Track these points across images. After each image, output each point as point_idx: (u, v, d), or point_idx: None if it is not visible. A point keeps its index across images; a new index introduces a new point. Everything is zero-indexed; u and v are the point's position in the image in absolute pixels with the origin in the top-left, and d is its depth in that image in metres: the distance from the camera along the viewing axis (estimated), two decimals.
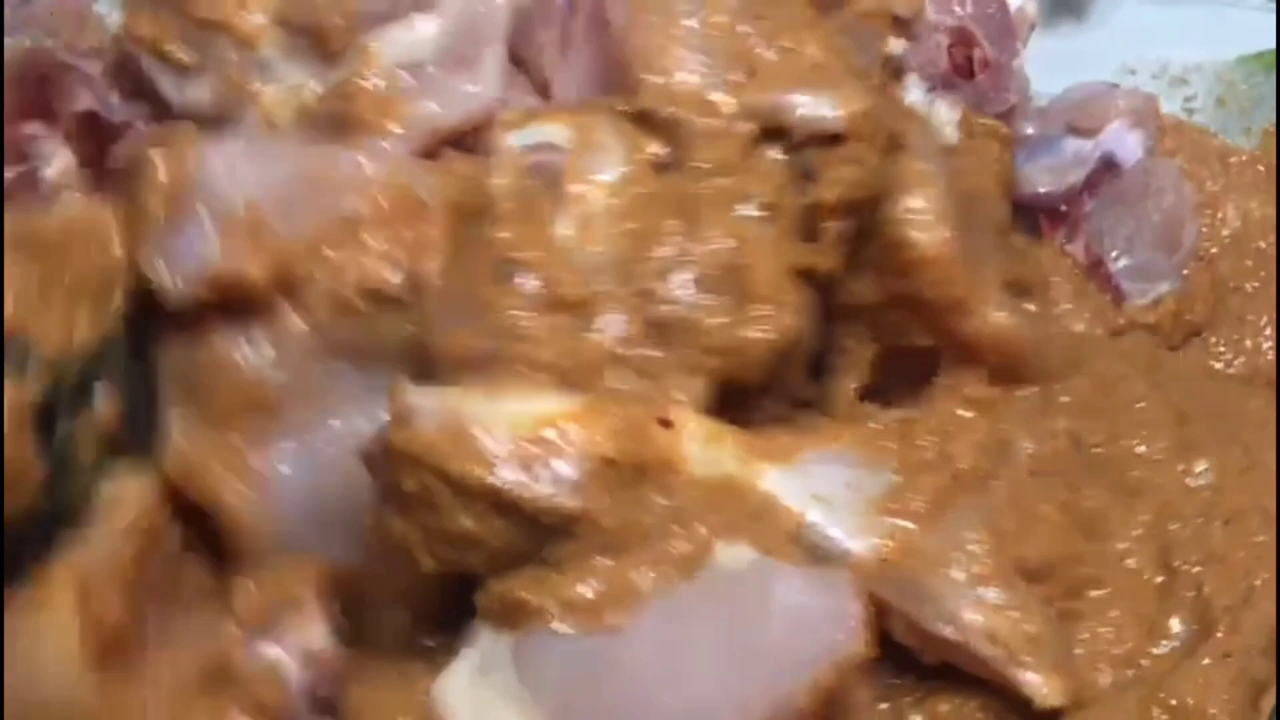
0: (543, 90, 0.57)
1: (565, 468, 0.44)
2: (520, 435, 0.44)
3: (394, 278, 0.49)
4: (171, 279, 0.49)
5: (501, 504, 0.44)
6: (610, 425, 0.45)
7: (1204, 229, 0.66)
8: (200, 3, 0.54)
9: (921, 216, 0.51)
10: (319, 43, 0.53)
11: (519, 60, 0.57)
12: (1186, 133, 0.69)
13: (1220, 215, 0.67)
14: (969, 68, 0.60)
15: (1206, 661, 0.50)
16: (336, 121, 0.52)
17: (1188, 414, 0.56)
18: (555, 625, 0.44)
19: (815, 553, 0.47)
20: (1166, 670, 0.50)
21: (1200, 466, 0.55)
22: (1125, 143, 0.65)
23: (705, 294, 0.48)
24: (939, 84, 0.59)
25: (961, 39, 0.60)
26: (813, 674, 0.42)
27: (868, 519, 0.48)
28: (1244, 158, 0.68)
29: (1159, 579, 0.52)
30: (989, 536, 0.49)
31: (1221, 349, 0.63)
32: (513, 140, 0.50)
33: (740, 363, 0.48)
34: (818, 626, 0.43)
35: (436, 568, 0.46)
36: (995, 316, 0.52)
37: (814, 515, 0.47)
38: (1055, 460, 0.53)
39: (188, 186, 0.50)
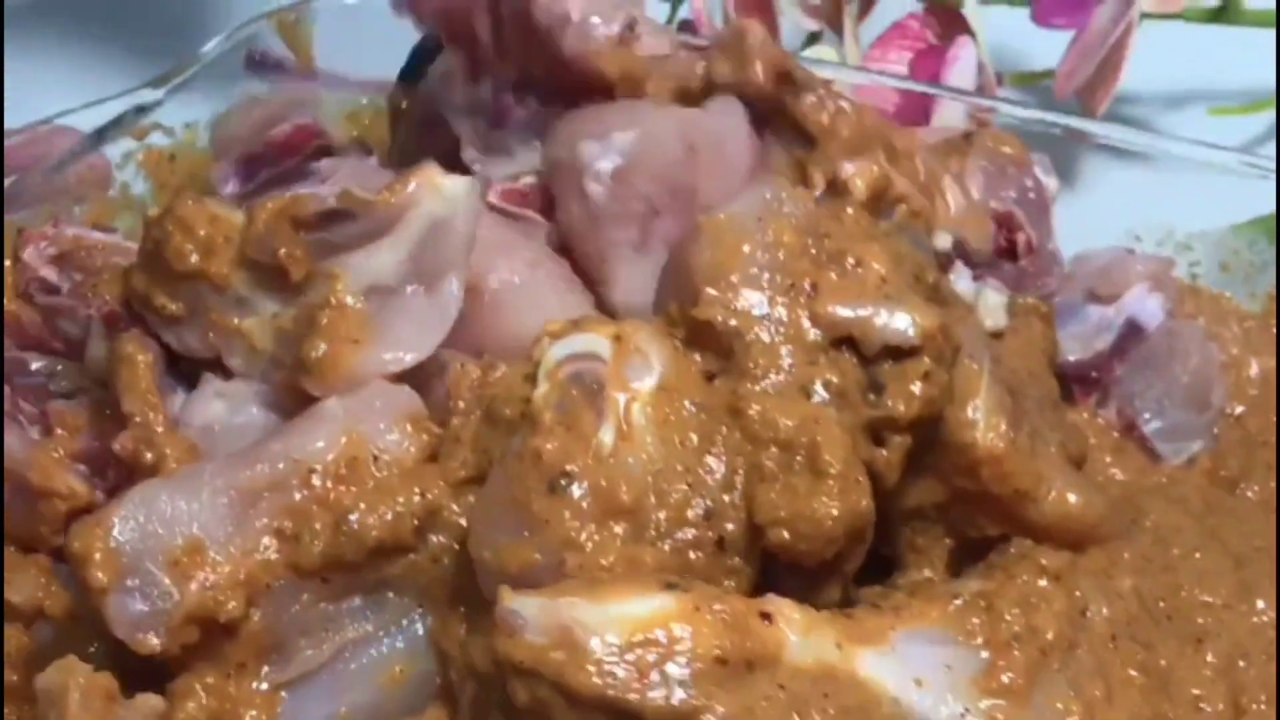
0: (590, 283, 0.59)
1: (677, 668, 0.44)
2: (629, 639, 0.45)
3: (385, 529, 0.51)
4: (146, 638, 0.50)
5: (616, 709, 0.44)
6: (716, 622, 0.45)
7: (1230, 387, 0.68)
8: (175, 258, 0.56)
9: (981, 418, 0.52)
10: (281, 276, 0.55)
11: (566, 249, 0.59)
12: (1202, 295, 0.71)
13: (1244, 374, 0.69)
14: (1013, 250, 0.62)
15: None
16: (302, 364, 0.54)
17: (1243, 555, 0.57)
18: None
19: None
20: None
21: (1260, 605, 0.55)
22: (1147, 306, 0.67)
23: (767, 481, 0.49)
24: (984, 267, 0.60)
25: (1005, 222, 0.62)
26: None
27: (969, 700, 0.48)
28: (1256, 322, 0.70)
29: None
30: (1079, 706, 0.50)
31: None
32: (557, 351, 0.51)
33: (812, 538, 0.48)
34: None
35: None
36: (1064, 498, 0.53)
37: (918, 699, 0.48)
38: (1127, 621, 0.53)
39: (116, 554, 0.51)
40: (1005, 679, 0.49)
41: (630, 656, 0.44)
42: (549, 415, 0.49)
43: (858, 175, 0.55)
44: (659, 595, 0.46)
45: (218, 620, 0.50)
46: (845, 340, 0.50)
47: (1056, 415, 0.56)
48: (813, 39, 0.88)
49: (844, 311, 0.50)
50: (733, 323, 0.50)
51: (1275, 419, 0.68)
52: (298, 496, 0.51)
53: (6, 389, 0.60)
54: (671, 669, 0.45)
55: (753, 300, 0.50)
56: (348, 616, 0.52)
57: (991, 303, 0.58)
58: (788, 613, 0.47)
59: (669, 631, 0.45)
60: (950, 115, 0.75)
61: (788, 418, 0.49)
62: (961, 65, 0.81)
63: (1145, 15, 0.80)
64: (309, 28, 0.76)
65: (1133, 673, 0.52)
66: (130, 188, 0.72)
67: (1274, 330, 0.70)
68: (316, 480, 0.51)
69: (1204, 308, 0.71)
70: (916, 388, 0.50)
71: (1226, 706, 0.53)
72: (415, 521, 0.51)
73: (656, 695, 0.44)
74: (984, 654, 0.49)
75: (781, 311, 0.50)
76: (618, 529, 0.48)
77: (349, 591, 0.52)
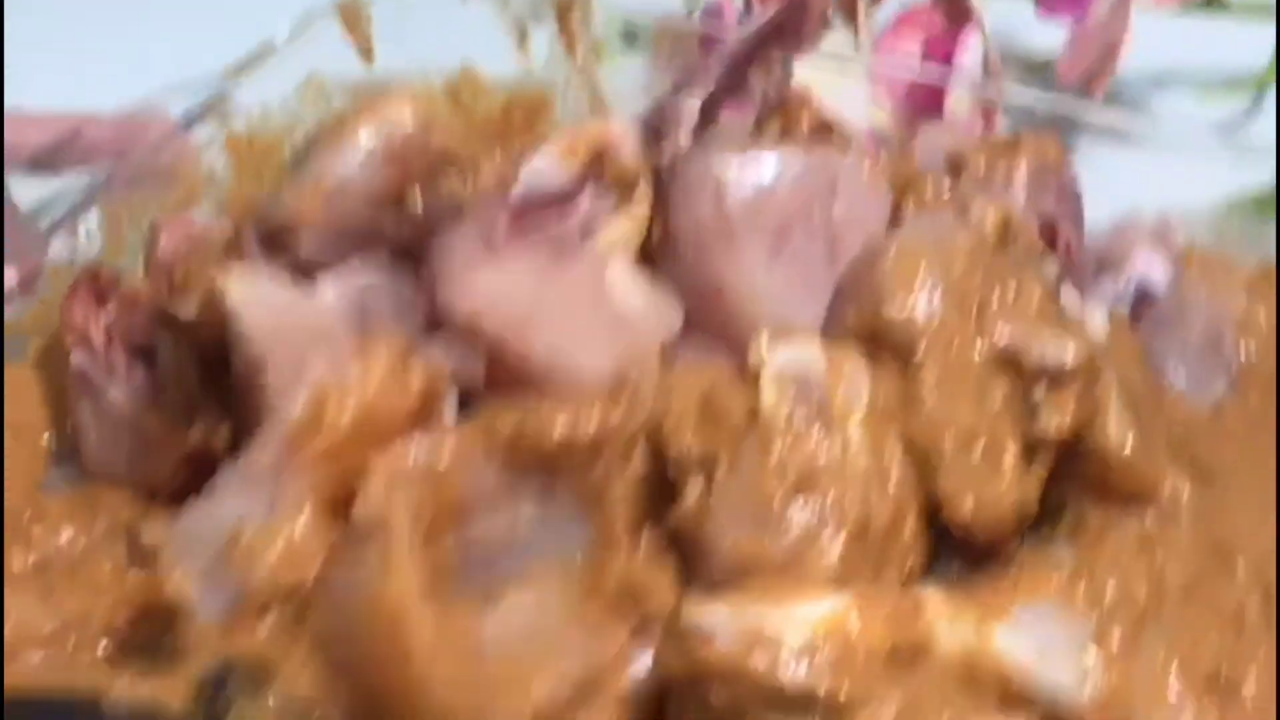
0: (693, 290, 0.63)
1: (853, 664, 0.50)
2: (810, 638, 0.50)
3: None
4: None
5: (805, 701, 0.50)
6: (884, 616, 0.51)
7: (1240, 335, 0.73)
8: None
9: (1114, 431, 0.58)
10: None
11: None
12: (1197, 253, 0.76)
13: (1254, 320, 0.73)
14: (1053, 252, 0.67)
15: None
16: None
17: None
18: None
19: (1044, 701, 0.54)
20: None
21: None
22: (1153, 269, 0.72)
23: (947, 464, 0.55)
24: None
25: (1048, 225, 0.67)
26: None
27: (1085, 664, 0.55)
28: (1257, 273, 0.75)
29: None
30: (1174, 661, 0.56)
31: None
32: (780, 358, 0.56)
33: (987, 519, 0.55)
34: None
35: None
36: (1177, 487, 0.60)
37: (1043, 669, 0.54)
38: (1197, 574, 0.59)
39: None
40: (1112, 643, 0.55)
41: (815, 655, 0.50)
42: (783, 421, 0.54)
43: (990, 207, 0.61)
44: (830, 596, 0.52)
45: None
46: (1007, 359, 0.56)
47: (1159, 407, 0.63)
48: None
49: (1012, 332, 0.56)
50: (917, 322, 0.56)
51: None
52: None
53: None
54: (851, 660, 0.50)
55: (933, 308, 0.56)
56: None
57: (1098, 318, 0.64)
58: (935, 599, 0.53)
59: (844, 627, 0.51)
60: (960, 103, 0.81)
61: (966, 412, 0.55)
62: (971, 52, 0.87)
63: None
64: (368, 14, 0.79)
65: (1210, 623, 0.58)
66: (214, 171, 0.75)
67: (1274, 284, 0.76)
68: None
69: (1203, 266, 0.76)
70: (1069, 410, 0.56)
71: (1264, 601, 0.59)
72: None
73: (838, 684, 0.50)
74: (1092, 621, 0.56)
75: (956, 321, 0.56)
76: (842, 535, 0.54)
77: None
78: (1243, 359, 0.73)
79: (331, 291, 0.62)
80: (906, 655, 0.51)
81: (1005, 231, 0.60)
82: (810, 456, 0.54)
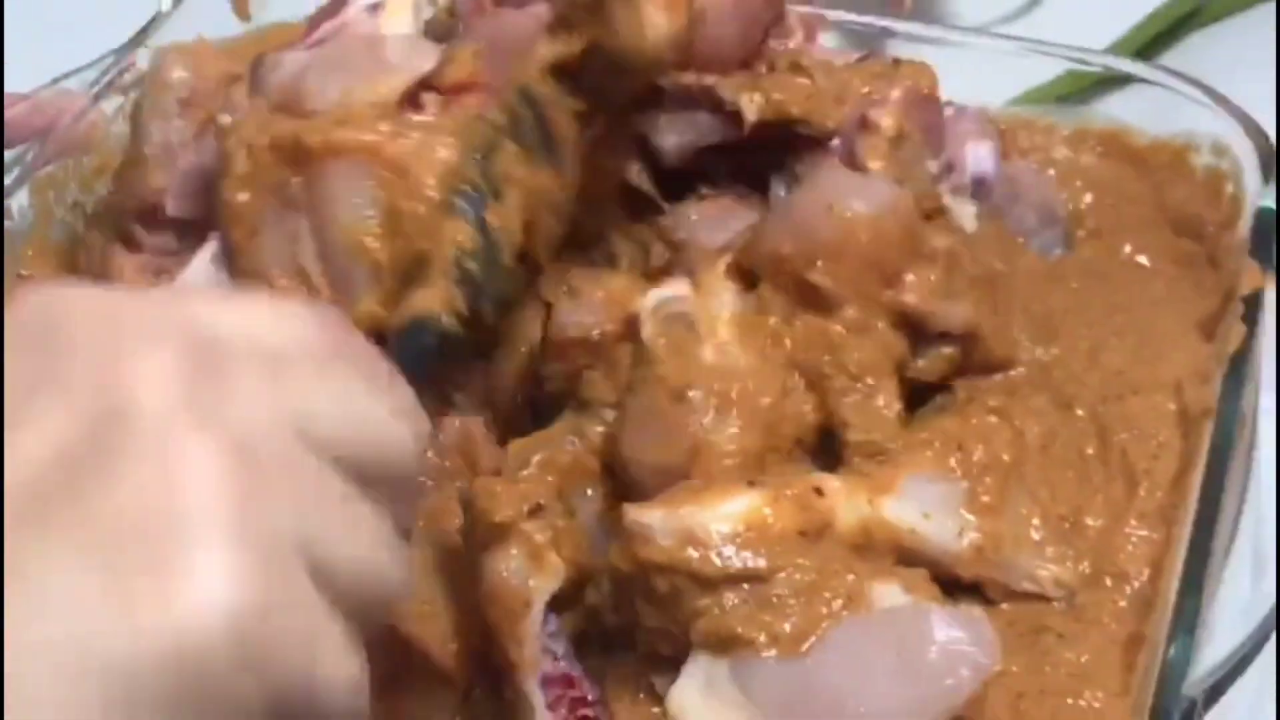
0: None
1: (770, 543, 0.59)
2: (734, 530, 0.59)
3: None
4: None
5: (730, 580, 0.59)
6: (791, 505, 0.60)
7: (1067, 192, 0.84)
8: None
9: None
10: None
11: None
12: (1017, 122, 0.87)
13: (1078, 167, 0.85)
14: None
15: (1135, 520, 0.67)
16: None
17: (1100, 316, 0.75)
18: (764, 653, 0.58)
19: (932, 553, 0.64)
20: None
21: (1118, 356, 0.73)
22: (981, 158, 0.78)
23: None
24: None
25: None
26: (969, 687, 0.57)
27: (962, 521, 0.64)
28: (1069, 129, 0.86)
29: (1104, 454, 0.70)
30: (1036, 509, 0.66)
31: None
32: (652, 298, 0.65)
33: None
34: (967, 651, 0.57)
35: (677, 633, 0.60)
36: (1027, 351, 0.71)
37: (928, 527, 0.63)
38: (1051, 430, 0.69)
39: None
40: (984, 500, 0.65)
41: (739, 542, 0.59)
42: (661, 345, 0.62)
43: (886, 114, 0.69)
44: (747, 493, 0.60)
45: None
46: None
47: (1013, 287, 0.73)
48: None
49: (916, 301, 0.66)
50: (839, 287, 0.65)
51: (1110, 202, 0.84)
52: None
53: None
54: (766, 543, 0.59)
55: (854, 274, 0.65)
56: None
57: (967, 212, 0.73)
58: (831, 484, 0.62)
59: (762, 518, 0.60)
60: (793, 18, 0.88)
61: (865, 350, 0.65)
62: None
63: None
64: None
65: (1063, 470, 0.68)
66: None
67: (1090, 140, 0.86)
68: None
69: (1022, 134, 0.86)
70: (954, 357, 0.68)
71: (1098, 445, 0.70)
72: None
73: (757, 564, 0.59)
74: (964, 484, 0.65)
75: (872, 286, 0.65)
76: (734, 424, 0.62)
77: None
78: (1070, 207, 0.83)
79: None
80: (813, 532, 0.60)
81: (899, 137, 0.69)
82: (686, 366, 0.63)
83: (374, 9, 0.78)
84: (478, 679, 0.64)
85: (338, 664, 0.40)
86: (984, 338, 0.68)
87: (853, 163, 0.72)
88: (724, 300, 0.64)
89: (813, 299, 0.65)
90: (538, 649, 0.60)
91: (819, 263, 0.65)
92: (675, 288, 0.65)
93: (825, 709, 0.58)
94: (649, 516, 0.59)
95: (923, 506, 0.64)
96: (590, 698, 0.61)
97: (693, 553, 0.58)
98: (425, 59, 0.71)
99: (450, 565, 0.65)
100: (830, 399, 0.64)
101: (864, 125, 0.72)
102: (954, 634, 0.58)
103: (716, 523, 0.59)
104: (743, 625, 0.58)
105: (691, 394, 0.62)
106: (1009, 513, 0.66)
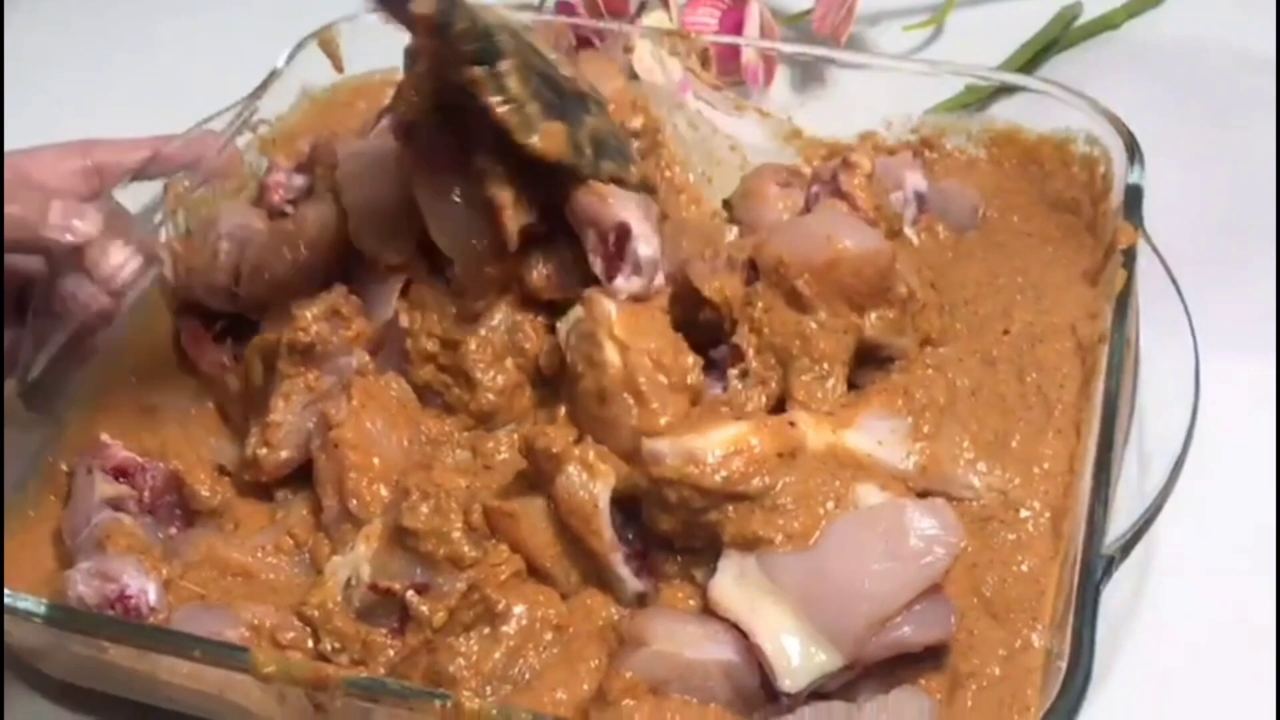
0: None
1: (760, 463, 0.75)
2: (728, 452, 0.75)
3: None
4: None
5: (730, 494, 0.75)
6: (770, 433, 0.76)
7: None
8: None
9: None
10: None
11: None
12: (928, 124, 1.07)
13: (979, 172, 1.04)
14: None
15: (1051, 435, 0.84)
16: None
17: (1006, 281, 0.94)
18: (781, 548, 0.73)
19: (886, 472, 0.79)
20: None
21: (1024, 311, 0.91)
22: (917, 180, 0.98)
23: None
24: None
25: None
26: (944, 563, 0.72)
27: (908, 447, 0.80)
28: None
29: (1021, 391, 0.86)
30: (967, 436, 0.83)
31: None
32: (563, 327, 0.85)
33: None
34: (939, 535, 0.72)
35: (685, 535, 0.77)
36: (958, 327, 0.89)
37: (882, 452, 0.79)
38: (978, 379, 0.86)
39: None
40: (925, 430, 0.81)
41: (732, 461, 0.75)
42: (579, 364, 0.81)
43: (863, 156, 0.93)
44: (734, 425, 0.77)
45: None
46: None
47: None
48: (642, 8, 1.19)
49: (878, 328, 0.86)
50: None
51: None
52: None
53: None
54: (756, 463, 0.75)
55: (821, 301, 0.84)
56: None
57: (910, 233, 0.97)
58: (803, 417, 0.79)
59: (748, 443, 0.75)
60: (751, 56, 1.10)
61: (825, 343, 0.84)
62: (753, 20, 1.16)
63: None
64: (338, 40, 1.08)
65: (987, 406, 0.85)
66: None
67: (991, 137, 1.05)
68: None
69: (944, 136, 1.06)
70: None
71: (1018, 383, 0.86)
72: None
73: (752, 482, 0.75)
74: (909, 420, 0.81)
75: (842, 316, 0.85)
76: (654, 402, 0.80)
77: None
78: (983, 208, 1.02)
79: None
80: (788, 454, 0.76)
81: (871, 174, 0.90)
82: (597, 370, 0.81)
83: None
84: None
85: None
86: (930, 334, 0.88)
87: (839, 192, 0.91)
88: (605, 310, 0.83)
89: (795, 300, 0.83)
90: (613, 537, 0.76)
91: (806, 275, 0.83)
92: (576, 311, 0.84)
93: (835, 588, 0.72)
94: (660, 444, 0.76)
95: (876, 436, 0.80)
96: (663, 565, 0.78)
97: (694, 469, 0.75)
98: None
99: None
100: (791, 376, 0.82)
101: (846, 164, 0.92)
102: (927, 522, 0.73)
103: (712, 446, 0.75)
104: (761, 528, 0.74)
105: (613, 393, 0.80)
106: (945, 439, 0.82)
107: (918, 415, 0.82)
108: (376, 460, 0.83)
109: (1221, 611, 0.84)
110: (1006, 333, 0.90)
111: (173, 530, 0.85)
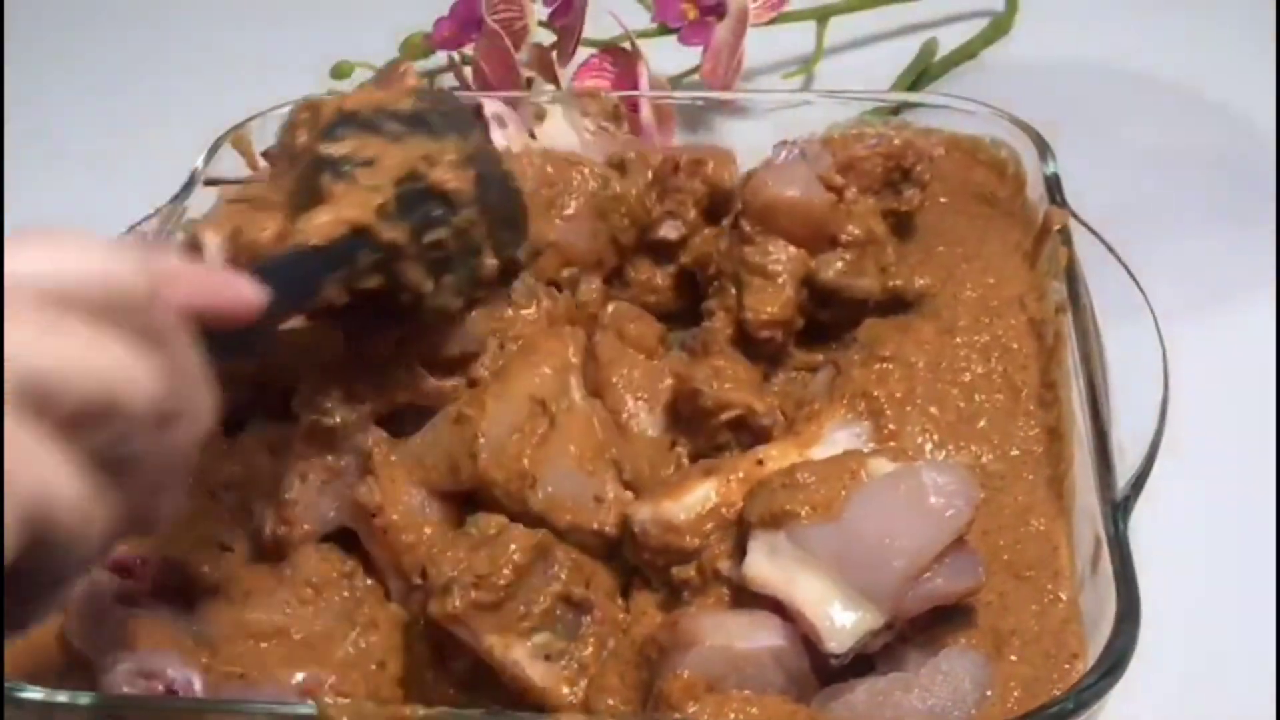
0: None
1: (730, 513, 0.79)
2: (699, 514, 0.79)
3: None
4: None
5: (696, 551, 0.79)
6: (739, 484, 0.79)
7: None
8: None
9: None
10: None
11: None
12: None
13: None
14: None
15: (1020, 421, 0.87)
16: None
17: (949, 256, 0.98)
18: (808, 521, 0.75)
19: None
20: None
21: (974, 284, 0.94)
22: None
23: None
24: None
25: None
26: (966, 514, 0.74)
27: (875, 444, 0.83)
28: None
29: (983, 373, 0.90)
30: (931, 425, 0.85)
31: None
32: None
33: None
34: (956, 488, 0.74)
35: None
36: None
37: None
38: (935, 359, 0.89)
39: None
40: (889, 429, 0.84)
41: (705, 522, 0.79)
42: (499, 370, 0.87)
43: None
44: (704, 483, 0.80)
45: None
46: None
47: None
48: (529, 83, 1.24)
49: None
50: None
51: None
52: None
53: None
54: (728, 514, 0.79)
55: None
56: None
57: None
58: (770, 453, 0.81)
59: (719, 500, 0.79)
60: (647, 111, 1.15)
61: None
62: (644, 78, 1.21)
63: (752, 25, 1.25)
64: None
65: (946, 388, 0.88)
66: None
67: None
68: None
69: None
70: None
71: (984, 363, 0.89)
72: None
73: (724, 541, 0.79)
74: (867, 422, 0.84)
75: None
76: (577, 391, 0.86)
77: None
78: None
79: None
80: (758, 489, 0.79)
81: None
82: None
83: None
84: None
85: (63, 482, 0.50)
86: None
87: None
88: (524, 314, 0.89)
89: (745, 239, 0.91)
90: None
91: (750, 216, 0.92)
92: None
93: (867, 549, 0.73)
94: (640, 512, 0.80)
95: (842, 445, 0.83)
96: None
97: (674, 538, 0.79)
98: None
99: None
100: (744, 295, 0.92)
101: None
102: (944, 479, 0.74)
103: (685, 512, 0.79)
104: (787, 504, 0.75)
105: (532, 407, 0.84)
106: (907, 433, 0.85)
107: (878, 415, 0.85)
108: (428, 530, 0.84)
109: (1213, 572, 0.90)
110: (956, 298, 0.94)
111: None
